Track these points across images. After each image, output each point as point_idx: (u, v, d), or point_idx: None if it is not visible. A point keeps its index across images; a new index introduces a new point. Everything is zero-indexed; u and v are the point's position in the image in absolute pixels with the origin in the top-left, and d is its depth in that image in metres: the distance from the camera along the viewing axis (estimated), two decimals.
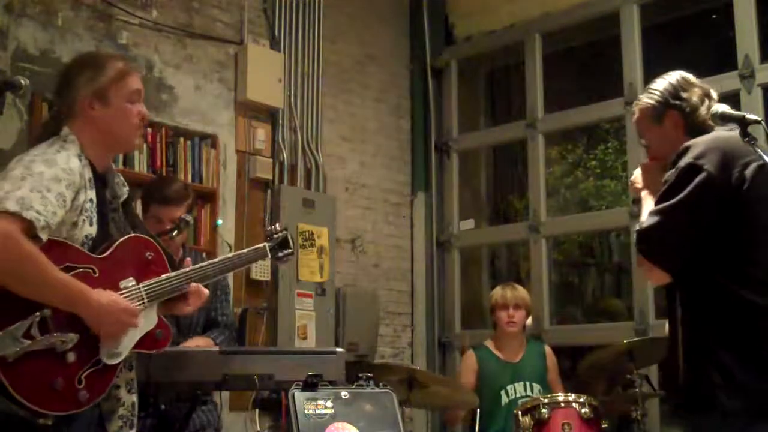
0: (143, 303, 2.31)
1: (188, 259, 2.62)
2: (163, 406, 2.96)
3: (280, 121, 5.22)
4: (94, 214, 2.27)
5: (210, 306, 3.41)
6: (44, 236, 2.11)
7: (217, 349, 2.94)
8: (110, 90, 2.35)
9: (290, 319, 4.98)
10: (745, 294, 2.19)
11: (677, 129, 2.44)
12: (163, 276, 2.39)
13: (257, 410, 3.60)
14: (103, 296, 2.20)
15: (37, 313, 2.09)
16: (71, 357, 2.14)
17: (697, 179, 2.22)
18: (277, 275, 4.99)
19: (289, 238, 2.82)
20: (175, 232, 3.22)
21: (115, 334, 2.22)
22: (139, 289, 2.32)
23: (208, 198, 4.76)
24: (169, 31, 4.77)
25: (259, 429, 3.58)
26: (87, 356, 2.17)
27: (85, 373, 2.16)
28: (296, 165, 5.29)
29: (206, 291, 2.55)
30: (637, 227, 2.35)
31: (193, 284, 2.47)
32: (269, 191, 5.14)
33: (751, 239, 2.24)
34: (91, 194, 2.28)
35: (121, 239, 2.33)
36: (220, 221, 4.78)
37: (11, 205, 2.07)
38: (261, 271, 4.93)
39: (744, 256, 2.23)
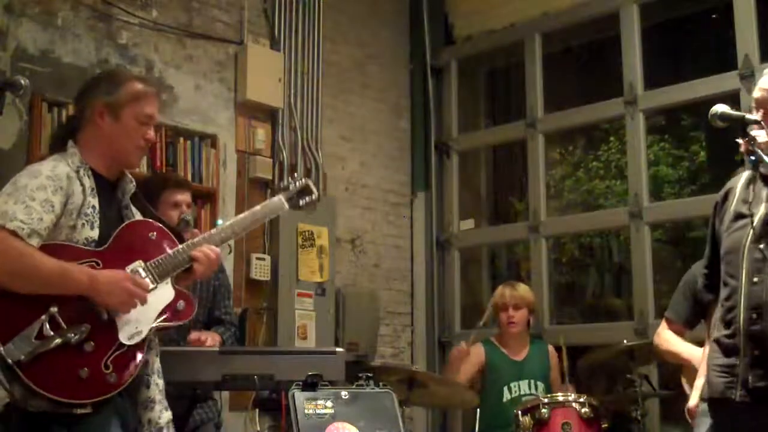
0: (154, 281, 2.34)
1: (195, 230, 2.63)
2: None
3: (280, 121, 5.22)
4: (97, 218, 2.31)
5: (211, 305, 3.44)
6: (34, 242, 2.17)
7: (216, 349, 2.94)
8: (123, 107, 2.40)
9: (290, 319, 4.98)
10: None
11: None
12: (171, 251, 2.41)
13: (257, 410, 3.60)
14: (104, 272, 2.24)
15: (44, 315, 2.14)
16: (90, 346, 2.19)
17: None
18: (277, 275, 4.99)
19: (310, 184, 2.72)
20: None
21: (125, 304, 2.24)
22: (147, 268, 2.35)
23: (208, 198, 4.76)
24: (169, 31, 4.77)
25: (259, 429, 3.58)
26: (107, 342, 2.22)
27: (111, 358, 2.21)
28: (296, 165, 5.29)
29: (216, 252, 2.49)
30: None
31: (197, 251, 2.44)
32: (269, 191, 5.13)
33: None
34: (93, 201, 2.32)
35: (119, 228, 2.36)
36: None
37: None
38: (261, 271, 4.93)
39: None
